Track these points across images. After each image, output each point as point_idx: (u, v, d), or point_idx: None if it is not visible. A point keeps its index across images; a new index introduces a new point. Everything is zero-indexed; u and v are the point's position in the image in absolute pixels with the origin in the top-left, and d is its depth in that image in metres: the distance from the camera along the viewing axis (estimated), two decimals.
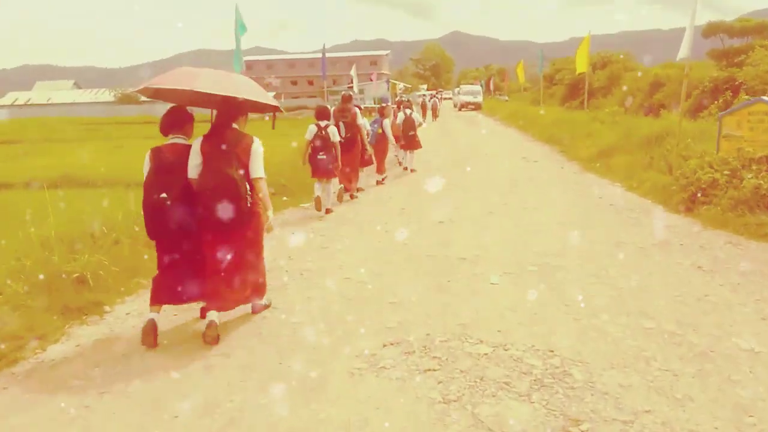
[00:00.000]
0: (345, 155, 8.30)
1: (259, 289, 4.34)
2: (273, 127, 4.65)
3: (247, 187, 3.87)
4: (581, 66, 21.20)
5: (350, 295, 4.80)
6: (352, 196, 9.32)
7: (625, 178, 9.76)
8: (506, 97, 57.83)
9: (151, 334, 3.82)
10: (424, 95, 43.63)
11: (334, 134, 7.76)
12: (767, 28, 34.45)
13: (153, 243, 4.10)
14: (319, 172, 7.76)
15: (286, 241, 6.62)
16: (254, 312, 4.39)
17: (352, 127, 8.77)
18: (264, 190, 4.02)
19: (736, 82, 24.41)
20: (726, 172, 7.26)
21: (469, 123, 29.86)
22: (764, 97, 8.07)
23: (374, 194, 10.09)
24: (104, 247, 5.25)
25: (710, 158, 7.81)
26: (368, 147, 9.59)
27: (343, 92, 9.63)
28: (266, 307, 4.49)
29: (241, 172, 3.86)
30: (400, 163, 12.84)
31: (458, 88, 52.93)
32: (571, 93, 42.87)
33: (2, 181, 10.97)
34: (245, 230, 4.01)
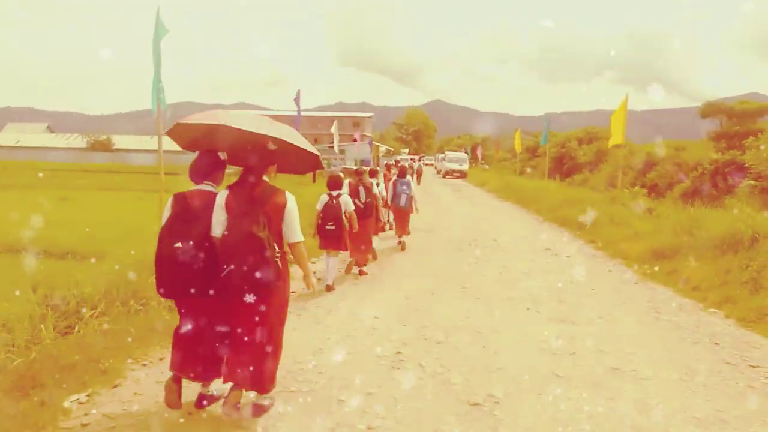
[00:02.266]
0: (362, 221, 7.69)
1: (267, 381, 3.57)
2: (314, 180, 2.94)
3: (276, 250, 3.34)
4: (617, 137, 16.51)
5: None
6: (361, 272, 8.17)
7: (722, 300, 6.55)
8: (487, 166, 56.09)
9: (174, 392, 3.48)
10: (410, 159, 41.75)
11: (347, 204, 7.23)
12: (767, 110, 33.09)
13: None
14: (329, 243, 7.17)
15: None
16: (254, 414, 3.55)
17: (371, 194, 8.31)
18: (303, 255, 3.59)
19: (744, 166, 22.14)
20: None
21: (459, 194, 26.80)
22: None
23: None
24: None
25: None
26: (382, 215, 9.31)
27: (357, 168, 8.92)
28: (266, 409, 3.62)
29: (267, 233, 3.30)
30: (392, 227, 11.11)
31: (443, 154, 50.61)
32: (556, 166, 41.37)
33: None
34: (269, 301, 3.42)
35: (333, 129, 18.50)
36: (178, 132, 3.53)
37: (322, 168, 4.08)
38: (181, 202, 3.50)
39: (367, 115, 78.65)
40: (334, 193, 7.14)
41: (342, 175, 7.77)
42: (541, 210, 17.26)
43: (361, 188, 8.14)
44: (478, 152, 60.24)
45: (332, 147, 47.07)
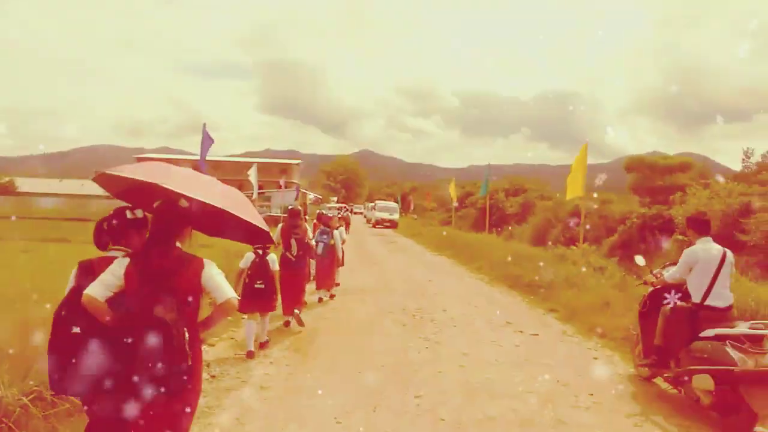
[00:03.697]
0: (295, 277, 7.65)
1: None
2: None
3: (186, 337, 2.69)
4: (575, 188, 13.67)
5: None
6: (287, 324, 7.85)
7: None
8: (415, 216, 55.15)
9: None
10: (338, 208, 40.16)
11: (274, 263, 6.71)
12: (689, 166, 33.94)
13: None
14: (257, 303, 6.49)
15: None
16: None
17: (304, 245, 7.92)
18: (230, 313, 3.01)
19: (670, 221, 21.81)
20: None
21: (392, 246, 24.85)
22: None
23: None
24: None
25: None
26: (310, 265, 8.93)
27: (290, 206, 8.49)
28: None
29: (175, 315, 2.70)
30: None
31: (372, 203, 49.05)
32: (483, 216, 40.92)
33: None
34: (176, 405, 2.76)
35: (251, 173, 16.17)
36: (104, 181, 3.07)
37: (272, 243, 3.66)
38: (86, 273, 2.90)
39: (295, 162, 76.35)
40: (260, 252, 6.57)
41: (277, 230, 7.42)
42: (484, 268, 15.57)
43: (293, 241, 7.73)
44: (410, 201, 59.02)
45: (251, 195, 44.72)
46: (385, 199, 57.05)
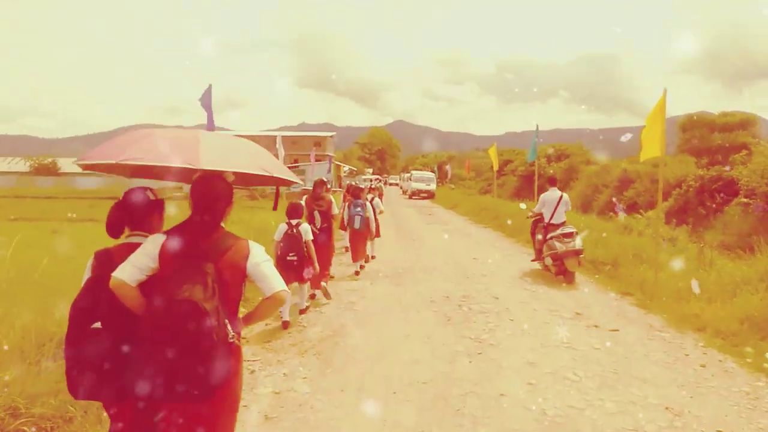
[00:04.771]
0: (319, 249, 7.05)
1: None
2: (275, 208, 3.18)
3: (229, 329, 2.29)
4: (651, 149, 9.11)
5: None
6: (313, 296, 7.63)
7: None
8: (452, 186, 53.27)
9: None
10: (370, 179, 38.98)
11: (307, 233, 6.56)
12: (752, 122, 30.94)
13: None
14: (289, 275, 6.29)
15: None
16: None
17: (328, 217, 7.82)
18: (279, 306, 2.56)
19: (732, 182, 19.46)
20: None
21: (430, 218, 23.19)
22: None
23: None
24: None
25: None
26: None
27: (316, 178, 8.29)
28: None
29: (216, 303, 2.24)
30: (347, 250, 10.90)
31: (408, 174, 47.30)
32: (525, 184, 38.93)
33: None
34: (212, 408, 2.33)
35: (277, 145, 14.94)
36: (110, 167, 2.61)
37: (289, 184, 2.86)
38: (104, 263, 2.50)
39: (329, 134, 74.69)
40: (294, 222, 6.54)
41: (303, 202, 7.29)
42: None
43: (316, 213, 7.74)
44: (447, 170, 56.73)
45: (294, 167, 43.72)
46: (420, 169, 55.17)
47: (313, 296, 7.62)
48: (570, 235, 8.89)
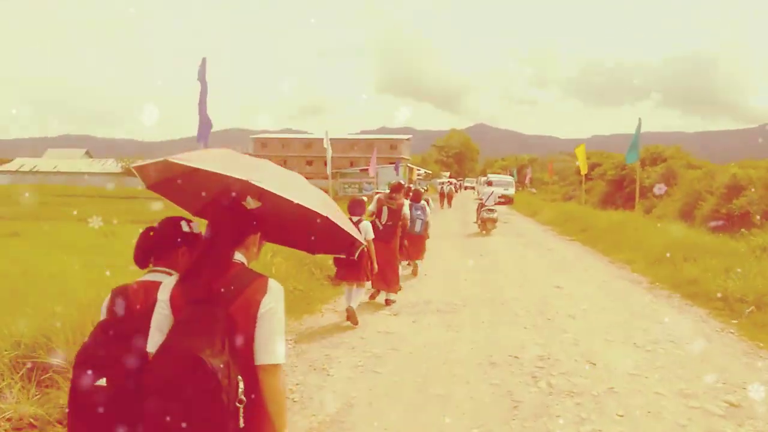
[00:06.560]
0: (383, 246, 7.10)
1: None
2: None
3: (241, 387, 1.80)
4: None
5: None
6: (388, 302, 7.46)
7: None
8: (534, 190, 49.91)
9: None
10: (442, 183, 36.87)
11: (367, 231, 6.43)
12: None
13: None
14: (347, 273, 6.36)
15: None
16: None
17: (396, 216, 7.53)
18: (279, 392, 1.88)
19: None
20: None
21: (507, 228, 20.25)
22: None
23: None
24: None
25: None
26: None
27: (392, 182, 8.32)
28: None
29: (227, 358, 1.81)
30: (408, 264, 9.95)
31: (485, 177, 44.35)
32: (614, 190, 35.28)
33: None
34: None
35: (325, 144, 14.16)
36: (156, 169, 2.15)
37: (353, 254, 2.55)
38: (121, 302, 2.14)
39: (405, 137, 72.90)
40: (354, 219, 6.29)
41: (365, 199, 7.17)
42: (637, 262, 10.89)
43: (384, 208, 7.50)
44: (528, 174, 53.00)
45: (365, 170, 42.46)
46: (498, 173, 51.89)
47: (388, 302, 7.47)
48: (492, 211, 16.90)
